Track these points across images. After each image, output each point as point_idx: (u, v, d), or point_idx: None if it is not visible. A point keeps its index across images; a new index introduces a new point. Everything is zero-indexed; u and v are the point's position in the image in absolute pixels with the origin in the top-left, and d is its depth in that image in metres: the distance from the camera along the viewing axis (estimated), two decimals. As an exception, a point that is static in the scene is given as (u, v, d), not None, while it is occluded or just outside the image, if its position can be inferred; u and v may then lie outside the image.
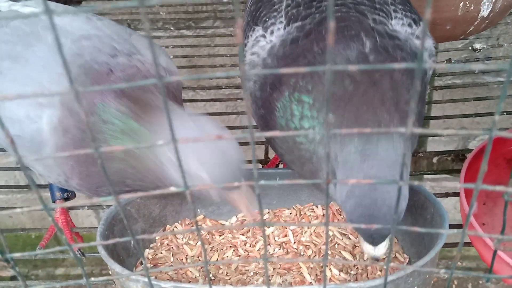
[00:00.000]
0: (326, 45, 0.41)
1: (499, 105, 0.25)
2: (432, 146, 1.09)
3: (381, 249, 0.40)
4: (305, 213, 0.55)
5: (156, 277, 0.48)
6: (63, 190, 0.59)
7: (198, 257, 0.52)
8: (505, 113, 0.69)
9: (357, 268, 0.49)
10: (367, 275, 0.48)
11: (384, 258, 0.43)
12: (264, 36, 0.47)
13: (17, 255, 0.31)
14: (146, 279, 0.41)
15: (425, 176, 1.10)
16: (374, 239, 0.39)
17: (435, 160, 1.07)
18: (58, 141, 0.43)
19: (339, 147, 0.39)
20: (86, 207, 0.62)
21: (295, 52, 0.44)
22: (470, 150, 0.56)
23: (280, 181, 0.27)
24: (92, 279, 0.33)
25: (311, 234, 0.53)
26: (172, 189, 0.28)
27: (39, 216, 1.26)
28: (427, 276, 0.42)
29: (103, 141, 0.43)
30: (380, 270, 0.48)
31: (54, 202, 0.59)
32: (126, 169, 0.44)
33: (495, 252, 0.34)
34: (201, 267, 0.50)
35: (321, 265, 0.49)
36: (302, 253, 0.52)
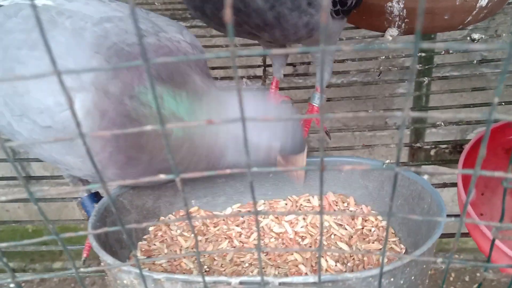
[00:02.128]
0: None
1: (498, 87, 0.24)
2: (430, 137, 1.08)
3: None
4: (300, 204, 0.54)
5: (149, 269, 0.48)
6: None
7: (192, 248, 0.51)
8: (503, 103, 0.68)
9: (353, 259, 0.49)
10: (364, 266, 0.48)
11: None
12: None
13: (3, 245, 0.30)
14: (138, 271, 0.40)
15: (423, 167, 1.09)
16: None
17: (432, 151, 1.07)
18: (94, 127, 0.41)
19: None
20: (76, 203, 0.61)
21: None
22: (468, 142, 0.56)
23: (274, 168, 0.27)
24: (82, 269, 0.32)
25: (307, 225, 0.52)
26: (162, 176, 0.27)
27: (36, 210, 1.25)
28: (424, 266, 0.41)
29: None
30: (377, 261, 0.48)
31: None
32: (177, 156, 0.43)
33: (493, 241, 0.33)
34: (195, 259, 0.50)
35: (316, 255, 0.48)
36: (298, 243, 0.51)
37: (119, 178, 0.44)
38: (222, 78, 0.83)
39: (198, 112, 0.42)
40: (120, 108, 0.41)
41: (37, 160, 1.03)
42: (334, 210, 0.53)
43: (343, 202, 0.54)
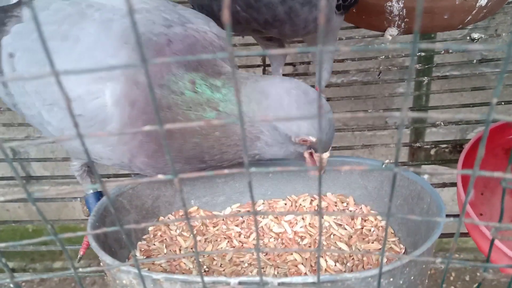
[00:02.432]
0: None
1: (497, 88, 0.24)
2: (429, 137, 1.08)
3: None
4: (300, 204, 0.54)
5: (149, 269, 0.48)
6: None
7: (191, 248, 0.51)
8: (503, 103, 0.68)
9: (352, 259, 0.49)
10: (363, 266, 0.48)
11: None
12: None
13: (2, 245, 0.30)
14: (137, 271, 0.40)
15: (423, 167, 1.09)
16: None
17: (432, 151, 1.07)
18: (124, 116, 0.42)
19: None
20: (79, 200, 0.61)
21: None
22: (468, 141, 0.56)
23: (272, 168, 0.27)
24: (80, 269, 0.32)
25: (306, 225, 0.52)
26: (160, 176, 0.27)
27: (35, 211, 1.25)
28: (424, 266, 0.41)
29: (176, 114, 0.42)
30: (377, 261, 0.48)
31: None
32: (205, 143, 0.43)
33: (492, 241, 0.33)
34: (195, 259, 0.50)
35: (316, 255, 0.48)
36: (298, 243, 0.51)
37: (148, 166, 0.46)
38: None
39: (233, 98, 0.42)
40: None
41: (37, 159, 1.04)
42: (333, 211, 0.53)
43: (342, 202, 0.54)
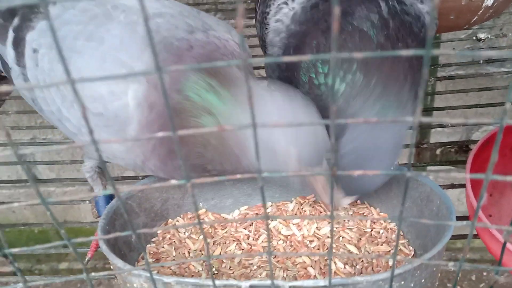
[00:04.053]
0: (346, 7, 0.46)
1: (510, 92, 0.24)
2: (435, 137, 1.08)
3: (347, 200, 0.45)
4: (309, 205, 0.54)
5: (158, 272, 0.48)
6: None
7: (200, 251, 0.52)
8: (511, 103, 0.68)
9: (362, 261, 0.49)
10: (373, 268, 0.48)
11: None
12: (286, 3, 0.49)
13: (15, 250, 0.30)
14: (148, 274, 0.40)
15: (428, 168, 1.09)
16: (349, 192, 0.44)
17: (438, 151, 1.06)
18: (142, 118, 0.42)
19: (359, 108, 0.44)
20: (88, 201, 0.62)
21: (316, 16, 0.47)
22: (474, 141, 0.56)
23: (285, 173, 0.27)
24: (93, 274, 0.32)
25: (316, 227, 0.52)
26: (173, 181, 0.27)
27: (42, 211, 1.26)
28: (434, 268, 0.41)
29: (188, 121, 0.42)
30: (386, 263, 0.48)
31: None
32: (207, 153, 0.43)
33: (504, 244, 0.33)
34: (204, 261, 0.50)
35: (325, 258, 0.48)
36: (306, 246, 0.51)
37: (159, 170, 0.46)
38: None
39: (234, 112, 0.42)
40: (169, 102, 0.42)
41: (44, 162, 1.04)
42: (343, 214, 0.53)
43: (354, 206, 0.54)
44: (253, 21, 0.92)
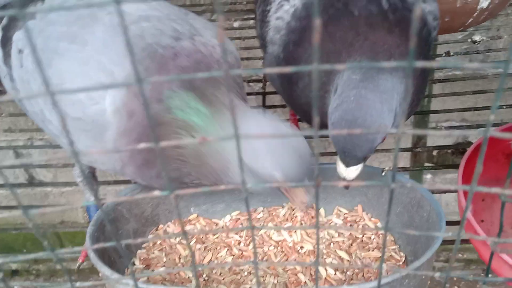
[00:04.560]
0: (346, 1, 0.45)
1: (494, 104, 0.24)
2: (432, 139, 1.08)
3: (351, 172, 0.42)
4: (301, 211, 0.54)
5: (148, 278, 0.48)
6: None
7: (191, 257, 0.51)
8: (504, 107, 0.67)
9: (353, 267, 0.48)
10: (363, 275, 0.47)
11: (351, 181, 0.44)
12: (287, 0, 0.49)
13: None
14: (139, 282, 0.40)
15: (425, 170, 1.09)
16: (347, 159, 0.41)
17: (435, 153, 1.06)
18: (121, 125, 0.42)
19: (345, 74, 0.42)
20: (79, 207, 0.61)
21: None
22: (470, 143, 0.55)
23: (269, 185, 0.26)
24: (78, 284, 0.32)
25: (306, 234, 0.52)
26: (156, 193, 0.27)
27: (37, 214, 1.26)
28: (423, 277, 0.41)
29: (169, 132, 0.41)
30: (377, 269, 0.47)
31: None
32: (183, 169, 0.43)
33: (492, 254, 0.33)
34: (198, 265, 0.49)
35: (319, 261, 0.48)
36: (297, 252, 0.51)
37: (137, 176, 0.46)
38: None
39: (213, 129, 0.42)
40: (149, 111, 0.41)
41: (41, 166, 1.03)
42: (332, 222, 0.53)
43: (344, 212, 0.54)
44: (249, 22, 0.91)
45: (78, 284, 0.32)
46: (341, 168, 0.42)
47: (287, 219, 0.54)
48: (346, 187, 0.44)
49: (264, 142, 0.40)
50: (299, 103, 0.50)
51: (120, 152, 0.43)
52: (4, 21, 0.50)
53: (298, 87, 0.48)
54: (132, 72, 0.42)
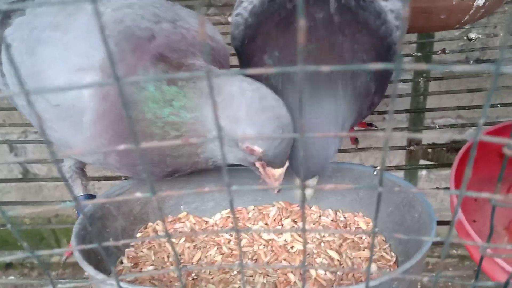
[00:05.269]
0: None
1: (485, 107, 0.23)
2: (427, 136, 1.07)
3: (309, 184, 0.42)
4: (291, 211, 0.53)
5: (136, 277, 0.47)
6: None
7: (180, 255, 0.51)
8: (499, 105, 0.67)
9: (343, 267, 0.48)
10: (353, 275, 0.47)
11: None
12: None
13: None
14: (122, 283, 0.39)
15: (420, 167, 1.08)
16: (304, 178, 0.42)
17: (430, 150, 1.06)
18: (97, 108, 0.42)
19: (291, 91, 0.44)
20: (68, 202, 0.61)
21: (271, 8, 0.48)
22: (466, 141, 0.55)
23: (255, 186, 0.26)
24: (59, 286, 0.31)
25: (297, 233, 0.51)
26: (138, 194, 0.26)
27: (34, 208, 1.25)
28: (414, 278, 0.41)
29: (141, 112, 0.42)
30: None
31: None
32: (164, 149, 0.43)
33: (481, 259, 0.33)
34: (183, 265, 0.49)
35: (306, 264, 0.48)
36: (287, 251, 0.50)
37: (120, 164, 0.46)
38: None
39: (198, 103, 0.41)
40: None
41: (37, 161, 1.03)
42: (321, 222, 0.52)
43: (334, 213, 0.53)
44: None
45: (60, 286, 0.32)
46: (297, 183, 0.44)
47: (276, 221, 0.53)
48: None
49: (245, 106, 0.39)
50: None
51: (99, 138, 0.43)
52: None
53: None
54: (115, 51, 0.42)
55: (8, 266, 1.35)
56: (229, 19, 0.91)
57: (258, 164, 0.42)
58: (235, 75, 0.42)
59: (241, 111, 0.39)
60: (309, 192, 0.46)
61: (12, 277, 1.29)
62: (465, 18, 0.69)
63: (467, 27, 0.84)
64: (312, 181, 0.44)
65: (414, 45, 0.87)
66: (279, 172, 0.42)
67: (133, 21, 0.44)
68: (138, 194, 0.26)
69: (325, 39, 0.44)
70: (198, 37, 0.46)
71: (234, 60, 0.54)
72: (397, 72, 0.22)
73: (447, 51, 0.76)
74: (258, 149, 0.40)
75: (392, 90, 0.22)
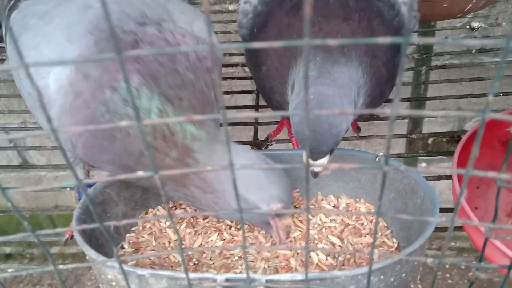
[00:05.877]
0: None
1: (493, 85, 0.23)
2: (427, 127, 1.07)
3: (319, 164, 0.43)
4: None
5: (137, 262, 0.47)
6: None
7: (181, 240, 0.51)
8: (501, 94, 0.67)
9: (344, 253, 0.48)
10: (355, 260, 0.47)
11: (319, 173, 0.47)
12: None
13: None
14: (124, 265, 0.39)
15: (420, 157, 1.08)
16: (314, 155, 0.43)
17: (430, 141, 1.05)
18: (65, 103, 0.42)
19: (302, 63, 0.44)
20: (68, 188, 0.60)
21: None
22: (466, 132, 0.55)
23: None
24: (60, 266, 0.31)
25: (298, 219, 0.51)
26: (140, 173, 0.26)
27: (32, 196, 1.25)
28: (416, 263, 0.40)
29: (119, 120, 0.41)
30: (369, 255, 0.47)
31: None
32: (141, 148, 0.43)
33: (486, 241, 0.32)
34: (184, 249, 0.49)
35: (309, 250, 0.48)
36: (289, 237, 0.50)
37: (86, 158, 0.45)
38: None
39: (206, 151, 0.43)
40: (99, 94, 0.41)
41: (34, 148, 1.02)
42: (322, 207, 0.52)
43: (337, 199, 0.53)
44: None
45: (60, 266, 0.31)
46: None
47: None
48: (315, 175, 0.46)
49: (254, 173, 0.43)
50: (263, 87, 0.51)
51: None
52: (11, 3, 0.52)
53: (261, 71, 0.49)
54: (85, 52, 0.41)
55: (8, 256, 1.35)
56: (230, 7, 0.91)
57: (272, 220, 0.46)
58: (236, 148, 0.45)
59: (262, 178, 0.43)
60: (320, 169, 0.46)
61: (11, 269, 1.29)
62: (468, 7, 0.69)
63: (469, 16, 0.83)
64: (324, 161, 0.44)
65: (416, 34, 0.86)
66: (286, 222, 0.47)
67: (118, 20, 0.43)
68: (140, 173, 0.26)
69: (340, 15, 0.45)
70: (183, 43, 0.44)
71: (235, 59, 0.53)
72: (404, 46, 0.21)
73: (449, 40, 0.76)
74: (278, 205, 0.44)
75: (400, 64, 0.22)
